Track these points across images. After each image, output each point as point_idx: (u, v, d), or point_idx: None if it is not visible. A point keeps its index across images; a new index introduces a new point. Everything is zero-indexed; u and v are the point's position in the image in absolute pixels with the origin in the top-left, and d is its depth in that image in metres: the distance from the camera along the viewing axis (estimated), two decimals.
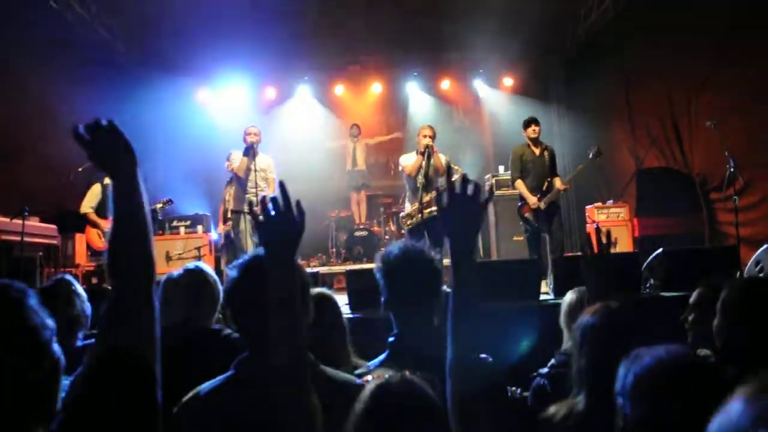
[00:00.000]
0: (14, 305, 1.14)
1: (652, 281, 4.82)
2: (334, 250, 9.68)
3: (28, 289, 1.19)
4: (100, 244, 7.14)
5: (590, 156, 6.87)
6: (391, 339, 1.88)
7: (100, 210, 7.12)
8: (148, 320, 1.29)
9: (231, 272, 1.67)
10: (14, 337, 1.11)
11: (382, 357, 1.89)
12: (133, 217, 1.32)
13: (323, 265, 9.13)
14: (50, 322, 1.19)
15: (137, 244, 1.32)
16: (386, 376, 1.35)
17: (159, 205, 7.44)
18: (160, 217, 7.74)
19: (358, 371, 1.91)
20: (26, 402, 1.12)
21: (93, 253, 7.20)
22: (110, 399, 1.17)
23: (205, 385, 1.64)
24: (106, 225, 7.04)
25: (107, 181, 6.06)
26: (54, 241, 6.87)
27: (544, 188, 6.80)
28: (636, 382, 1.24)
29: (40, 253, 6.63)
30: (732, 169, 6.25)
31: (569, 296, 2.72)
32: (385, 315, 1.91)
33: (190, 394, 1.63)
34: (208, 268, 2.58)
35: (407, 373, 1.36)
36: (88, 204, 7.11)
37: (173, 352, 1.49)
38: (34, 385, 1.13)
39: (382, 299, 1.89)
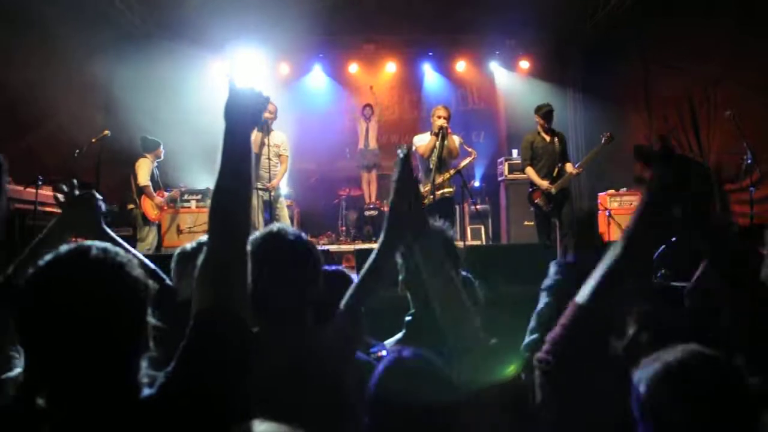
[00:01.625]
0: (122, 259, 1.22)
1: (663, 270, 4.82)
2: (344, 228, 9.70)
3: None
4: (153, 215, 7.37)
5: (602, 141, 6.82)
6: (408, 318, 1.88)
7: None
8: (244, 279, 1.31)
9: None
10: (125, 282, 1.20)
11: (398, 336, 1.89)
12: (240, 171, 1.36)
13: (333, 243, 9.15)
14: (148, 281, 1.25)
15: (240, 198, 1.35)
16: (401, 349, 1.37)
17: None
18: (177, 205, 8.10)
19: (373, 349, 1.92)
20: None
21: (147, 223, 7.38)
22: (211, 362, 1.21)
23: None
24: (158, 198, 7.29)
25: (149, 157, 6.04)
26: None
27: (555, 174, 6.77)
28: (648, 388, 1.23)
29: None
30: (749, 161, 6.20)
31: None
32: (402, 294, 1.90)
33: None
34: None
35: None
36: (146, 177, 7.27)
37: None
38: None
39: (400, 278, 1.88)
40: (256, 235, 1.70)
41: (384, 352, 1.75)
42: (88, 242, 1.22)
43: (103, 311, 1.14)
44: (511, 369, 1.48)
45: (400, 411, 1.29)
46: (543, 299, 1.92)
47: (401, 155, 1.57)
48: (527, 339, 1.83)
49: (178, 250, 2.47)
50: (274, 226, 1.71)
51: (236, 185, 1.36)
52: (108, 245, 1.23)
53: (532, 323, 1.84)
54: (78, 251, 1.19)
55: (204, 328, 1.23)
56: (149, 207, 7.31)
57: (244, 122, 1.41)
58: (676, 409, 1.21)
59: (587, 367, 1.28)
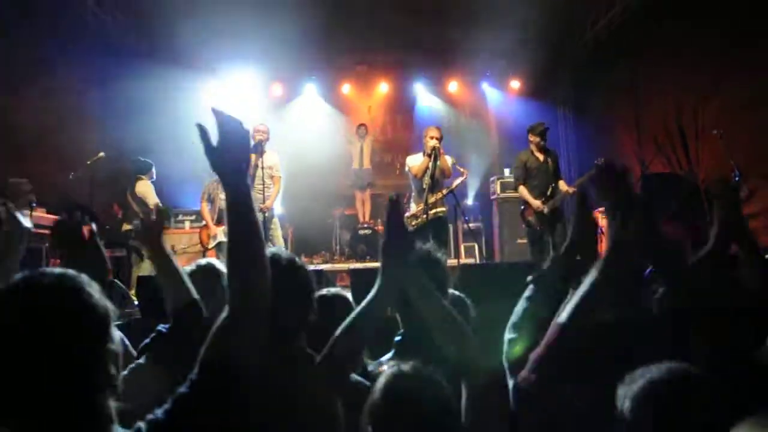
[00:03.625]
0: (76, 289, 1.15)
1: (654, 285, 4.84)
2: (337, 247, 9.71)
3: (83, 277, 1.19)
4: None
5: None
6: (397, 338, 1.91)
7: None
8: (258, 333, 1.34)
9: None
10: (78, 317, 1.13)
11: (388, 355, 1.92)
12: (248, 224, 1.37)
13: (327, 262, 9.16)
14: (108, 306, 1.20)
15: (253, 251, 1.37)
16: (400, 365, 1.40)
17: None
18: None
19: (369, 368, 1.94)
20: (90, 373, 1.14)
21: None
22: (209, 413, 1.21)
23: None
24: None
25: (145, 178, 5.91)
26: None
27: (549, 193, 6.83)
28: (633, 405, 1.26)
29: (47, 245, 6.67)
30: (737, 178, 6.27)
31: None
32: (392, 315, 1.93)
33: None
34: (220, 263, 2.56)
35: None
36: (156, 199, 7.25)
37: None
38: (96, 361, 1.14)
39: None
40: None
41: (385, 367, 1.78)
42: (45, 269, 1.16)
43: (59, 338, 1.08)
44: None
45: (402, 423, 1.31)
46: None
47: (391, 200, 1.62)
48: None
49: (203, 263, 2.45)
50: (267, 251, 1.73)
51: (248, 241, 1.35)
52: (67, 271, 1.17)
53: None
54: (32, 278, 1.13)
55: (209, 382, 1.22)
56: None
57: (237, 171, 1.36)
58: (659, 427, 1.23)
59: (567, 385, 1.32)
